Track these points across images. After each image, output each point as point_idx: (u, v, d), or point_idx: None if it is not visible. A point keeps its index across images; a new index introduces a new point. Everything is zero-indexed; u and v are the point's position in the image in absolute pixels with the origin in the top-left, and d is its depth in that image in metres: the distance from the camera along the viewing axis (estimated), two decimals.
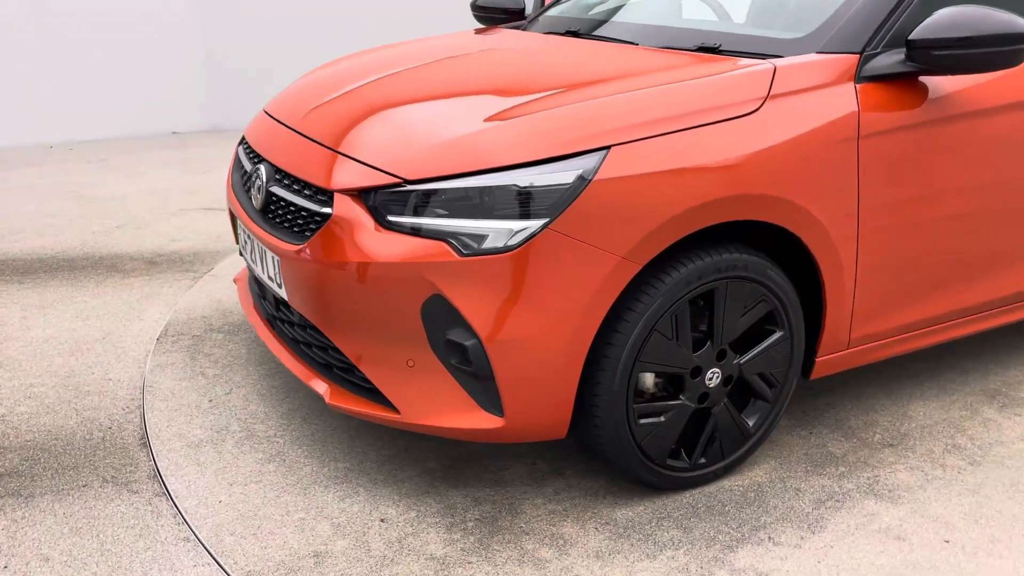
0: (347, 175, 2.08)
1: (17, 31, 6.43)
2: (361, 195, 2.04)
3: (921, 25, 2.18)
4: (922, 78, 2.30)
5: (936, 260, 2.43)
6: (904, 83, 2.27)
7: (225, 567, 1.96)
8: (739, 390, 2.30)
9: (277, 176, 2.34)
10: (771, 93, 2.11)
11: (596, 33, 2.85)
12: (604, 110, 2.02)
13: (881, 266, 2.34)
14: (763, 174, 2.06)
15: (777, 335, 2.26)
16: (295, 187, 2.24)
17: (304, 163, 2.22)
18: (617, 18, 2.98)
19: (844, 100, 2.18)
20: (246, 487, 2.27)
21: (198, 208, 4.79)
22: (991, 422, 2.61)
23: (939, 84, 2.31)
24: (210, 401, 2.66)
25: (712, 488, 2.28)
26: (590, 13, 3.16)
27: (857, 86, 2.21)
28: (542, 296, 1.92)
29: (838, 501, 2.23)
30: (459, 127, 2.06)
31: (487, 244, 1.91)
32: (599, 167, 1.92)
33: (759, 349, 2.24)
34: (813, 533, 2.10)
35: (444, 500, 2.22)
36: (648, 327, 2.03)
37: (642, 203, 1.94)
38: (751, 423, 2.31)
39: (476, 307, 1.92)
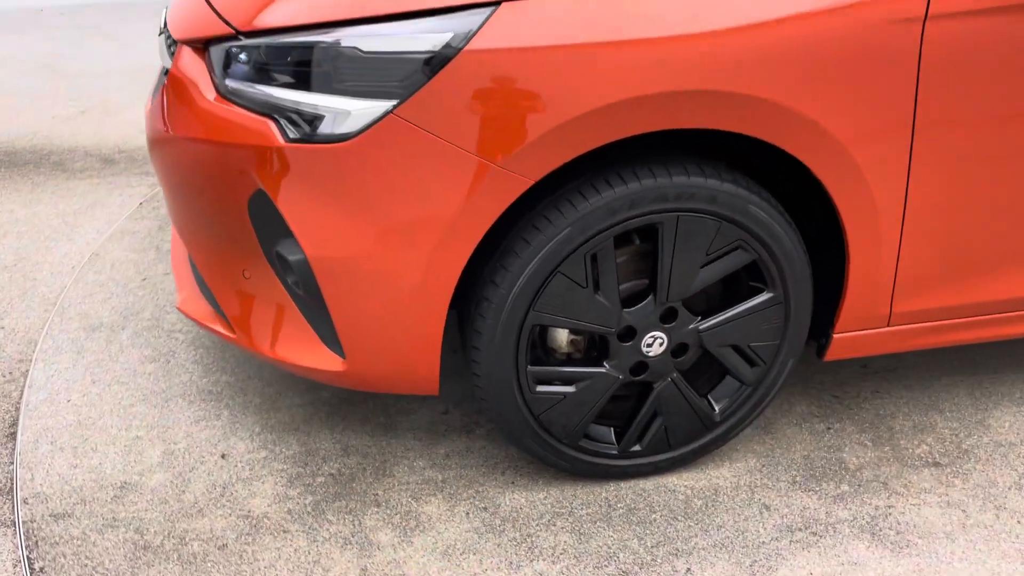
0: (190, 21, 1.61)
1: None
2: (205, 49, 1.57)
3: None
4: None
5: None
6: None
7: (16, 483, 1.67)
8: (704, 364, 1.69)
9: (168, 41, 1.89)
10: None
11: None
12: None
13: (948, 217, 1.59)
14: (746, 63, 1.37)
15: (764, 296, 1.60)
16: (170, 48, 1.79)
17: (175, 16, 1.75)
18: None
19: None
20: (108, 387, 1.96)
21: None
22: None
23: None
24: (130, 287, 2.36)
25: (649, 484, 1.72)
26: None
27: None
28: (383, 206, 1.40)
29: (814, 535, 1.60)
30: None
31: (321, 129, 1.40)
32: (478, 30, 1.33)
33: (733, 313, 1.61)
34: (750, 570, 1.51)
35: (308, 443, 1.81)
36: (548, 266, 1.46)
37: (539, 89, 1.33)
38: (718, 409, 1.70)
39: (301, 212, 1.44)
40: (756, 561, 1.54)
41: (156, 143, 1.68)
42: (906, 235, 1.59)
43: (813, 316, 1.73)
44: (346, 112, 1.38)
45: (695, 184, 1.46)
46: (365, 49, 1.36)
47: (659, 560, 1.54)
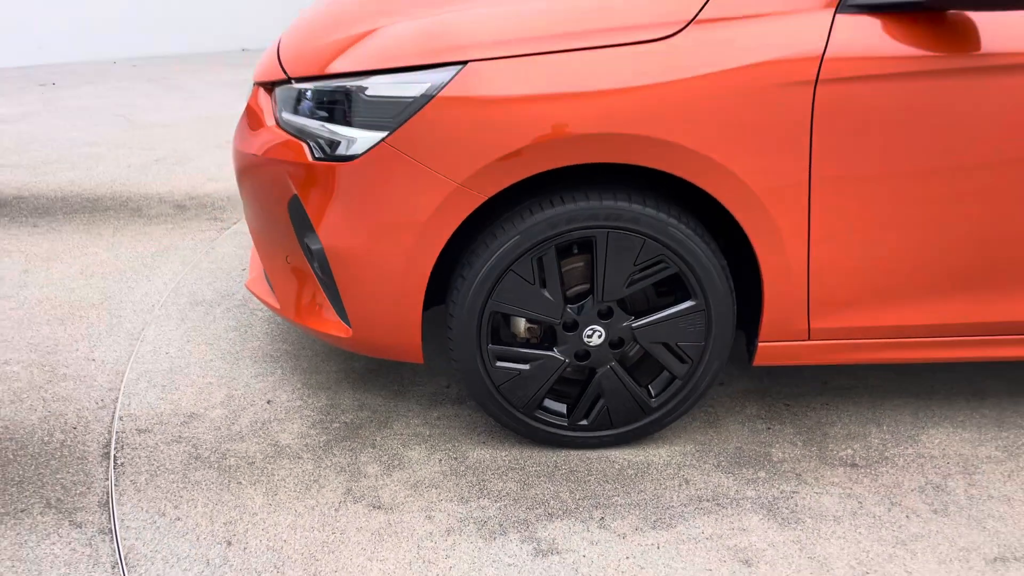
0: (264, 68, 2.15)
1: None
2: (271, 89, 2.10)
3: None
4: (951, 13, 1.76)
5: (940, 254, 1.89)
6: (916, 18, 1.75)
7: (117, 406, 2.24)
8: (646, 357, 2.04)
9: None
10: (698, 17, 1.76)
11: None
12: (478, 22, 1.84)
13: (849, 250, 1.88)
14: (656, 113, 1.75)
15: (686, 304, 1.95)
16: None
17: (258, 64, 2.29)
18: None
19: (809, 33, 1.75)
20: (197, 346, 2.53)
21: None
22: (1017, 472, 2.02)
23: (969, 23, 1.75)
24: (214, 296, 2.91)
25: (594, 454, 2.08)
26: None
27: (837, 16, 1.75)
28: (377, 211, 1.86)
29: (719, 505, 1.91)
30: (352, 29, 2.00)
31: (338, 151, 1.88)
32: (447, 83, 1.78)
33: (659, 316, 1.96)
34: (655, 529, 1.85)
35: (334, 399, 2.29)
36: (502, 265, 1.87)
37: (490, 127, 1.76)
38: (654, 396, 2.05)
39: (321, 213, 1.92)
40: (660, 519, 1.87)
41: (236, 158, 2.22)
42: (812, 262, 1.89)
43: (749, 325, 2.05)
44: (354, 139, 1.85)
45: (620, 207, 1.84)
46: (370, 94, 1.84)
47: (580, 509, 1.90)
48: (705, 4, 1.77)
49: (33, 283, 2.97)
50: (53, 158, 4.29)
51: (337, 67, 1.90)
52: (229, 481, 1.98)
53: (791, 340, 2.01)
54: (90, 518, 1.86)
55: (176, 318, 2.70)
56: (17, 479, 1.98)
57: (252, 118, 2.13)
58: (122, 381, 2.34)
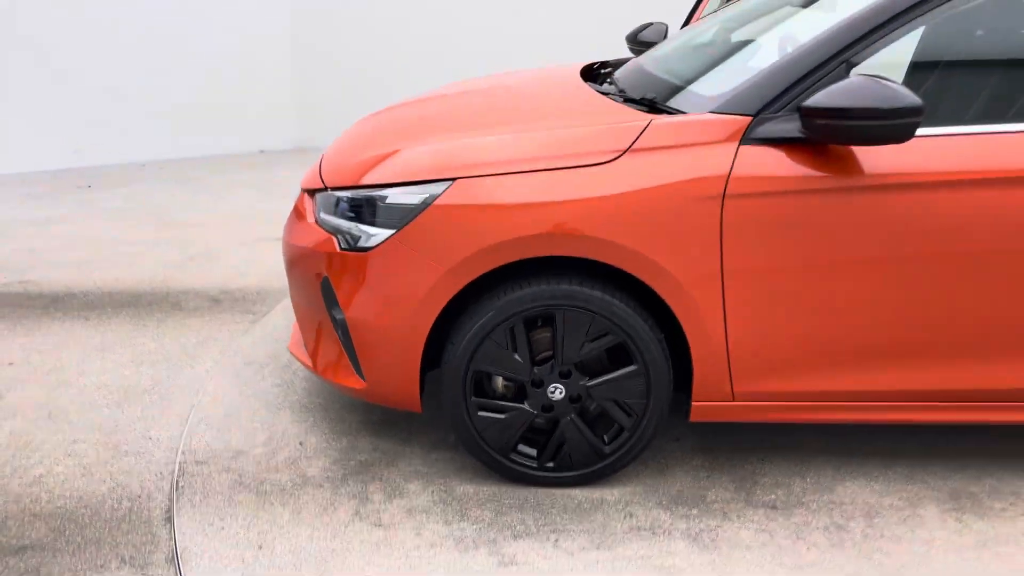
0: (308, 178, 2.75)
1: (110, 52, 6.85)
2: (312, 195, 2.69)
3: (819, 93, 2.18)
4: (832, 146, 2.26)
5: (835, 332, 2.35)
6: (801, 149, 2.26)
7: (181, 443, 2.79)
8: (602, 412, 2.51)
9: None
10: (632, 147, 2.30)
11: (611, 74, 3.12)
12: (466, 149, 2.42)
13: (758, 329, 2.35)
14: (600, 219, 2.27)
15: (629, 368, 2.43)
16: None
17: (305, 174, 2.90)
18: (643, 62, 3.15)
19: (719, 159, 2.27)
20: (247, 398, 3.08)
21: (272, 238, 4.65)
22: (920, 519, 2.41)
23: (841, 153, 2.25)
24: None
25: (559, 491, 2.54)
26: (646, 58, 3.30)
27: (741, 147, 2.27)
28: (386, 290, 2.41)
29: (653, 533, 2.35)
30: (376, 151, 2.59)
31: (359, 243, 2.45)
32: (441, 194, 2.34)
33: (607, 377, 2.44)
34: (598, 549, 2.29)
35: (354, 442, 2.80)
36: (482, 333, 2.39)
37: (470, 228, 2.31)
38: (608, 444, 2.51)
39: (344, 290, 2.48)
40: (603, 542, 2.32)
41: (285, 247, 2.79)
42: (729, 337, 2.36)
43: (687, 387, 2.51)
44: (372, 235, 2.42)
45: (574, 290, 2.35)
46: (387, 202, 2.41)
47: (540, 532, 2.36)
48: (638, 137, 2.31)
49: (90, 371, 3.32)
50: (96, 257, 4.65)
51: (364, 180, 2.48)
52: (264, 502, 2.49)
53: (719, 401, 2.47)
54: (159, 572, 2.21)
55: (232, 375, 3.27)
56: (94, 540, 2.34)
57: (298, 217, 2.72)
58: (179, 446, 2.87)
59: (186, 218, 5.43)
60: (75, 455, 2.75)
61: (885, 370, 2.39)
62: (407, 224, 2.36)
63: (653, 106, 2.54)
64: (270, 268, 4.41)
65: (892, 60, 2.38)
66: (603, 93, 2.82)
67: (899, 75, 2.44)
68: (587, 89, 2.85)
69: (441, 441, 2.81)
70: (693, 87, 2.56)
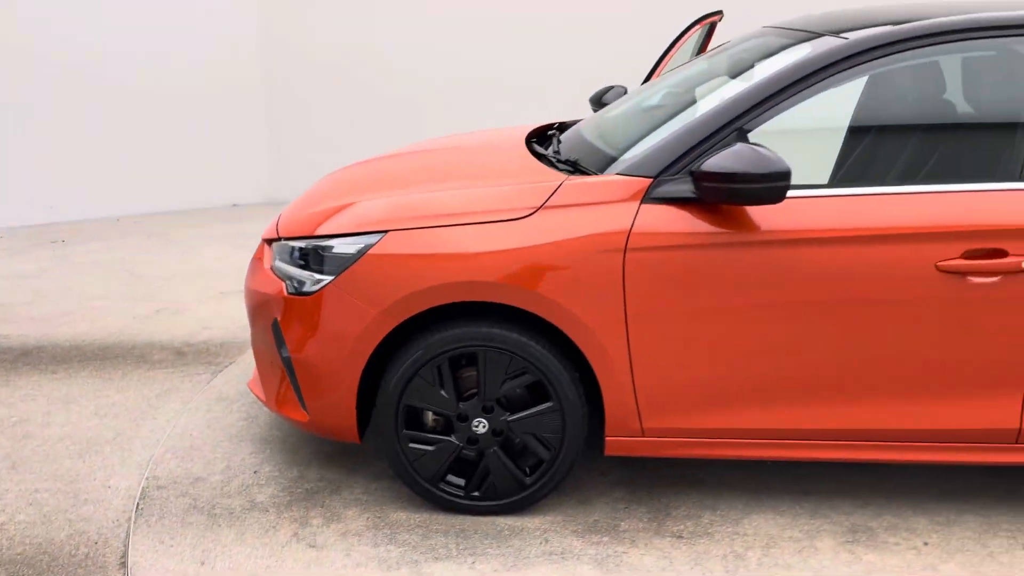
0: (268, 229, 3.03)
1: (84, 107, 7.00)
2: (270, 244, 2.97)
3: (707, 159, 2.43)
4: (722, 205, 2.49)
5: (726, 376, 2.56)
6: (695, 208, 2.50)
7: (146, 470, 3.04)
8: (523, 446, 2.73)
9: None
10: (546, 204, 2.56)
11: (558, 134, 3.39)
12: (399, 205, 2.69)
13: (661, 370, 2.57)
14: (512, 268, 2.52)
15: (545, 405, 2.65)
16: None
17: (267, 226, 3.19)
18: (581, 126, 3.42)
19: (621, 216, 2.51)
20: (210, 430, 3.32)
21: (238, 291, 4.70)
22: (815, 551, 2.59)
23: (730, 212, 2.48)
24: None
25: (484, 519, 2.75)
26: (586, 122, 3.56)
27: (642, 205, 2.52)
28: (325, 331, 2.66)
29: (563, 558, 2.55)
30: (329, 205, 2.87)
31: (303, 288, 2.71)
32: (374, 245, 2.61)
33: (526, 413, 2.67)
34: (508, 570, 2.49)
35: (303, 471, 3.03)
36: (412, 371, 2.63)
37: (399, 275, 2.57)
38: (529, 476, 2.72)
39: (290, 332, 2.74)
40: (515, 565, 2.52)
41: (246, 292, 3.06)
42: (636, 377, 2.58)
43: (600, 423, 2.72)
44: (314, 281, 2.68)
45: (494, 332, 2.59)
46: (329, 251, 2.68)
47: (460, 555, 2.56)
48: (551, 196, 2.57)
49: (54, 423, 3.44)
50: (67, 310, 4.80)
51: (310, 232, 2.76)
52: (213, 524, 2.72)
53: (630, 436, 2.68)
54: None
55: (203, 410, 3.53)
56: None
57: (255, 263, 3.00)
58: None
59: (155, 272, 5.56)
60: (36, 504, 2.87)
61: (776, 409, 2.59)
62: (344, 271, 2.62)
63: (576, 167, 2.81)
64: (235, 320, 4.55)
65: (785, 127, 2.62)
66: (543, 154, 3.09)
67: (797, 141, 2.69)
68: (523, 151, 3.12)
69: (383, 472, 3.03)
70: (610, 151, 2.82)
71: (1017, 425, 2.55)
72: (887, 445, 2.62)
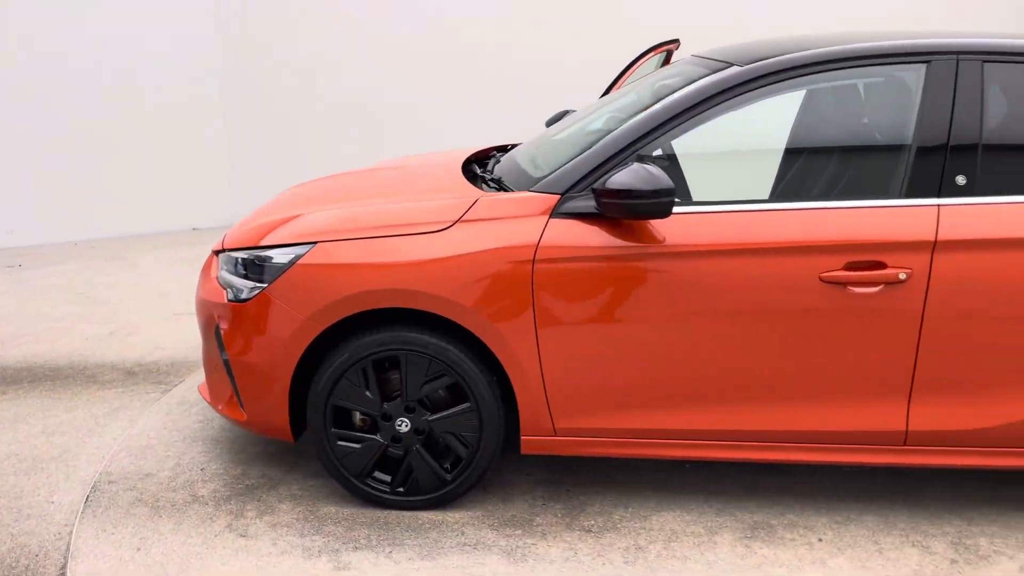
0: (216, 242, 3.24)
1: (43, 132, 7.11)
2: (217, 255, 3.18)
3: (606, 177, 2.63)
4: (623, 220, 2.68)
5: (628, 379, 2.73)
6: (598, 222, 2.68)
7: (101, 466, 3.24)
8: (445, 444, 2.91)
9: None
10: (463, 218, 2.76)
11: (498, 156, 3.59)
12: (329, 218, 2.89)
13: (568, 374, 2.74)
14: (431, 277, 2.71)
15: (463, 405, 2.84)
16: None
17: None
18: (518, 149, 3.62)
19: (531, 229, 2.71)
20: (163, 431, 3.53)
21: (193, 312, 4.43)
22: (713, 545, 2.74)
23: (630, 226, 2.67)
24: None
25: (408, 513, 2.93)
26: (524, 146, 3.75)
27: (551, 220, 2.71)
28: (258, 335, 2.86)
29: (476, 549, 2.72)
30: (272, 218, 3.08)
31: (241, 296, 2.92)
32: (304, 255, 2.81)
33: (446, 413, 2.85)
34: (423, 559, 2.67)
35: (246, 469, 3.23)
36: (338, 373, 2.83)
37: (325, 283, 2.77)
38: (450, 472, 2.90)
39: (229, 336, 2.94)
40: (430, 554, 2.69)
41: (196, 301, 3.27)
42: (546, 380, 2.76)
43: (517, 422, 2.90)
44: (249, 288, 2.89)
45: (414, 336, 2.79)
46: (265, 261, 2.88)
47: (379, 546, 2.74)
48: (467, 210, 2.77)
49: (2, 441, 3.51)
50: (21, 333, 4.89)
51: (248, 243, 2.97)
52: (154, 515, 2.92)
53: (543, 435, 2.85)
54: None
55: (164, 412, 3.73)
56: None
57: (205, 273, 3.21)
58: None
59: (112, 295, 5.65)
60: None
61: (676, 411, 2.76)
62: (276, 279, 2.83)
63: (501, 185, 3.01)
64: (187, 341, 4.66)
65: (688, 150, 2.82)
66: (478, 174, 3.30)
67: (698, 161, 2.88)
68: (456, 171, 3.32)
69: (321, 471, 3.21)
70: (531, 171, 3.02)
71: (904, 428, 2.70)
72: (783, 446, 2.78)
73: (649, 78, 3.58)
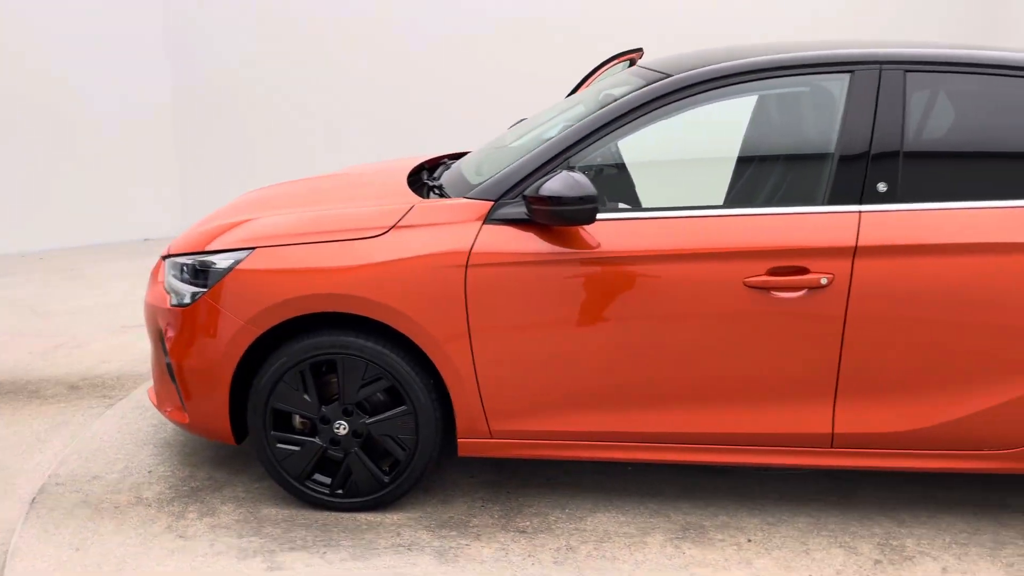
0: (164, 248, 3.29)
1: None
2: (164, 260, 3.23)
3: (535, 184, 2.68)
4: (553, 226, 2.72)
5: (562, 382, 2.78)
6: (529, 228, 2.73)
7: (48, 469, 3.28)
8: (382, 446, 2.96)
9: None
10: (398, 224, 2.81)
11: (449, 164, 3.65)
12: (267, 224, 2.95)
13: (502, 377, 2.79)
14: (366, 282, 2.76)
15: (400, 408, 2.88)
16: None
17: None
18: (465, 158, 3.66)
19: (464, 235, 2.76)
20: (112, 434, 3.57)
21: (142, 325, 4.62)
22: (643, 545, 2.79)
23: (560, 232, 2.72)
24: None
25: (347, 515, 2.97)
26: (472, 154, 3.80)
27: (484, 226, 2.76)
28: (198, 339, 2.91)
29: (409, 549, 2.76)
30: (217, 224, 3.13)
31: (182, 301, 2.97)
32: (243, 260, 2.86)
33: (383, 416, 2.90)
34: (355, 560, 2.71)
35: (193, 472, 3.27)
36: (277, 376, 2.87)
37: (262, 288, 2.82)
38: (388, 475, 2.95)
39: (172, 340, 2.99)
40: (363, 555, 2.74)
41: (144, 305, 3.32)
42: (480, 384, 2.81)
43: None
44: (191, 293, 2.94)
45: (350, 340, 2.83)
46: (207, 266, 2.93)
47: (314, 546, 2.79)
48: (402, 217, 2.82)
49: None
50: None
51: (185, 249, 3.02)
52: (97, 516, 2.96)
53: (479, 438, 2.90)
54: None
55: (118, 416, 3.78)
56: None
57: (153, 279, 3.26)
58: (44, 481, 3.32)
59: (59, 308, 5.53)
60: None
61: (607, 414, 2.81)
62: (215, 284, 2.88)
63: (442, 192, 3.06)
64: (135, 354, 4.57)
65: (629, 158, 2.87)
66: (425, 182, 3.35)
67: (632, 170, 2.94)
68: (401, 178, 3.37)
69: (265, 474, 3.26)
70: (471, 178, 3.07)
71: (830, 430, 2.75)
72: (713, 448, 2.83)
73: (596, 87, 3.64)
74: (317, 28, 7.79)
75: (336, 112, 7.86)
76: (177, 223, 7.36)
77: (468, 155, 3.67)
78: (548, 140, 2.87)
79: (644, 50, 5.22)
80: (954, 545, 2.78)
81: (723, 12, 7.87)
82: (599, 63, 5.20)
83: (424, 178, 3.45)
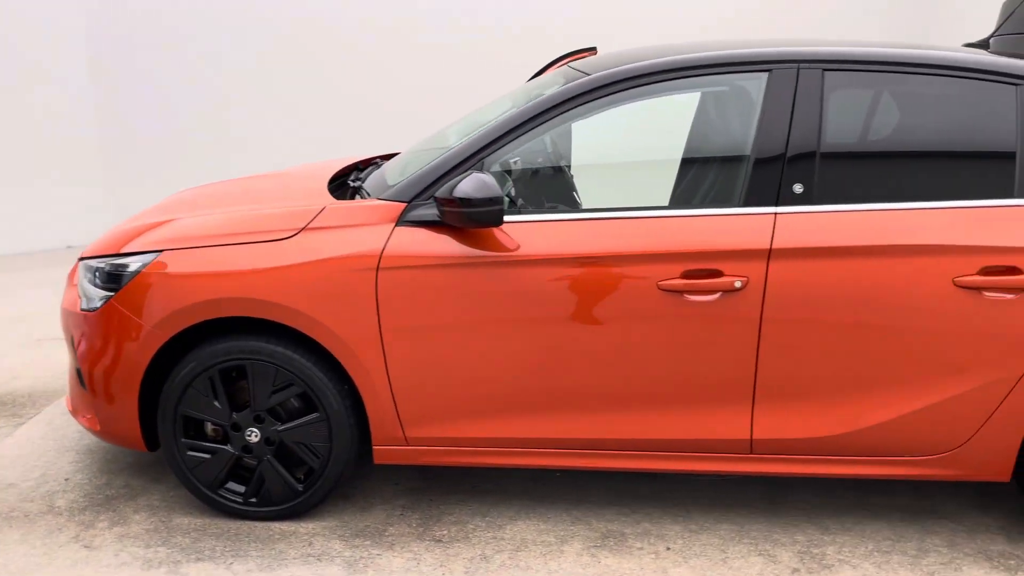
0: (81, 251, 3.22)
1: None
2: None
3: (445, 185, 2.62)
4: (466, 228, 2.66)
5: (476, 387, 2.72)
6: (442, 230, 2.67)
7: None
8: (295, 454, 2.89)
9: None
10: (308, 226, 2.74)
11: (380, 163, 3.59)
12: (173, 228, 2.88)
13: (416, 382, 2.73)
14: (273, 285, 2.70)
15: (313, 415, 2.82)
16: None
17: None
18: (394, 160, 3.58)
19: (376, 237, 2.69)
20: (40, 442, 3.50)
21: (58, 337, 4.37)
22: (559, 553, 2.72)
23: (473, 234, 2.65)
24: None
25: (260, 524, 2.90)
26: (405, 155, 3.72)
27: (396, 228, 2.70)
28: (106, 344, 2.84)
29: (319, 560, 2.70)
30: (127, 227, 3.06)
31: (91, 305, 2.89)
32: (148, 263, 2.79)
33: (295, 423, 2.83)
34: (262, 571, 2.64)
35: (111, 479, 3.20)
36: (186, 382, 2.81)
37: (168, 292, 2.75)
38: (302, 483, 2.88)
39: (81, 345, 2.92)
40: (271, 566, 2.67)
41: (61, 307, 3.25)
42: (394, 389, 2.74)
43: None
44: (99, 297, 2.87)
45: (260, 345, 2.77)
46: (117, 270, 2.86)
47: (223, 557, 2.72)
48: (312, 219, 2.75)
49: None
50: None
51: (96, 252, 2.95)
52: (5, 525, 2.89)
53: (395, 445, 2.84)
54: None
55: (44, 422, 3.71)
56: None
57: (70, 282, 3.19)
58: None
59: None
60: None
61: (523, 419, 2.75)
62: (122, 288, 2.81)
63: (364, 193, 2.99)
64: (49, 369, 4.31)
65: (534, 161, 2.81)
66: (347, 183, 3.29)
67: (545, 171, 2.87)
68: (322, 179, 3.30)
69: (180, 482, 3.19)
70: (389, 179, 3.01)
71: (748, 436, 2.70)
72: (632, 454, 2.77)
73: (527, 86, 3.58)
74: (240, 20, 7.49)
75: (268, 108, 7.55)
76: (101, 229, 7.00)
77: (397, 155, 3.61)
78: (462, 140, 2.81)
79: (598, 49, 5.16)
80: (876, 553, 2.73)
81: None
82: (548, 62, 5.14)
83: (351, 179, 3.38)
